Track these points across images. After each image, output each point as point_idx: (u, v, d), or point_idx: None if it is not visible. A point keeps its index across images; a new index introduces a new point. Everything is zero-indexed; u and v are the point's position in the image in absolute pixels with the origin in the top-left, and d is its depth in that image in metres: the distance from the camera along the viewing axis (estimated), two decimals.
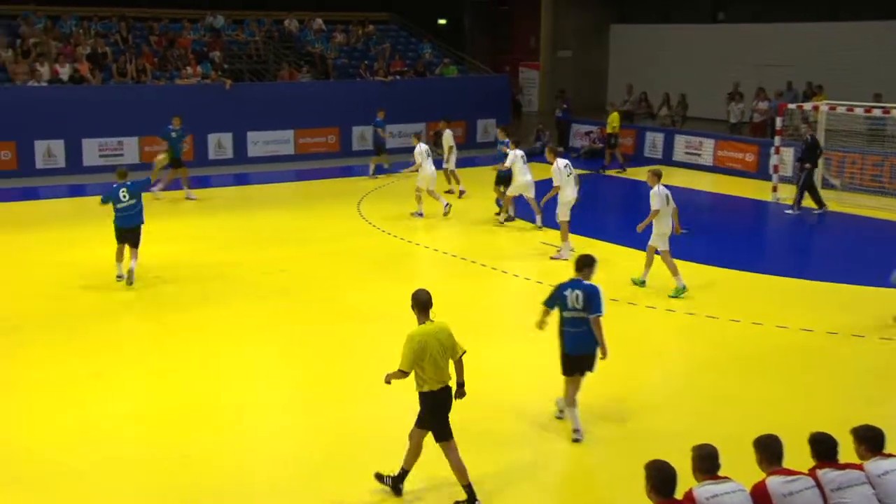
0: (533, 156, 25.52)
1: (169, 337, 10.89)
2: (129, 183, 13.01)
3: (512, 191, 16.47)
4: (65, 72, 22.14)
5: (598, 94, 32.62)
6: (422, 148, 17.26)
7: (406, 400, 7.23)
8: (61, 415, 8.62)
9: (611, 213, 19.87)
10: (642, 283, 12.65)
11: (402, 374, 6.81)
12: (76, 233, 15.45)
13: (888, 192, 18.85)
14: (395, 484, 7.09)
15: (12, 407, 8.81)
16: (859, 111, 18.83)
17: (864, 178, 19.40)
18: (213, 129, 20.56)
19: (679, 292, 12.24)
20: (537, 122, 28.88)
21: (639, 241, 13.18)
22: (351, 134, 24.87)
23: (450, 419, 6.96)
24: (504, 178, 16.89)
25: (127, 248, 12.85)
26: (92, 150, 21.64)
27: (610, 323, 8.19)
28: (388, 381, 6.98)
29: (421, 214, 17.33)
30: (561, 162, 14.44)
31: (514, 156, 16.17)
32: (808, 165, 17.85)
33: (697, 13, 32.02)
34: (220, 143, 23.08)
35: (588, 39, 34.38)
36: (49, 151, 21.35)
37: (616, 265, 13.37)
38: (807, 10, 27.82)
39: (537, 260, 14.54)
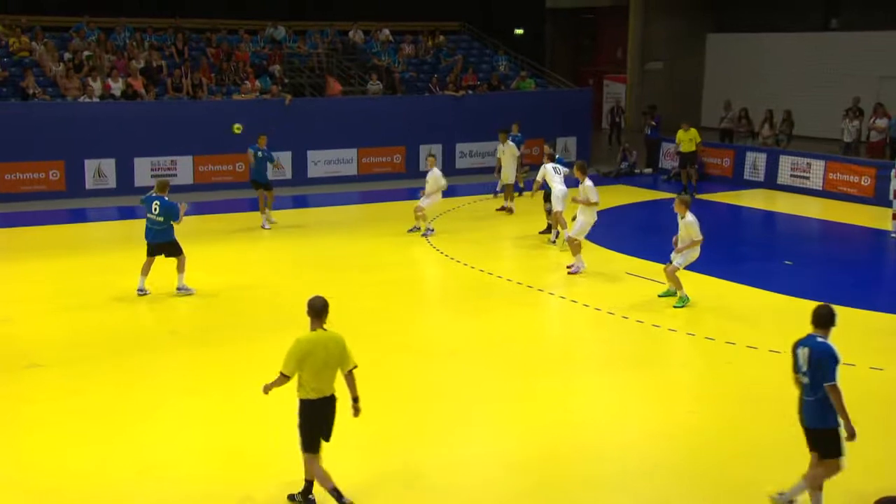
0: (619, 177, 25.50)
1: (219, 370, 11.04)
2: (164, 198, 13.49)
3: (555, 206, 16.94)
4: (117, 87, 22.83)
5: (692, 110, 32.23)
6: (436, 173, 18.10)
7: (471, 449, 7.19)
8: (115, 451, 8.81)
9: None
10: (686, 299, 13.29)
11: (283, 377, 7.37)
12: (125, 258, 15.83)
13: None
14: None
15: (62, 441, 9.04)
16: None
17: None
18: (271, 147, 20.80)
19: (676, 299, 13.32)
20: (623, 140, 28.66)
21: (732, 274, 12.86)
22: (418, 153, 25.06)
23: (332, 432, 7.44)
24: (548, 196, 17.45)
25: (175, 260, 13.74)
26: (144, 170, 22.23)
27: (713, 364, 7.98)
28: (266, 391, 7.51)
29: (432, 230, 18.27)
30: (589, 182, 15.19)
31: (543, 169, 17.08)
32: None
33: (806, 21, 31.47)
34: (278, 163, 23.51)
35: (681, 50, 34.08)
36: (99, 171, 22.04)
37: (710, 301, 13.15)
38: None
39: (615, 288, 14.40)
